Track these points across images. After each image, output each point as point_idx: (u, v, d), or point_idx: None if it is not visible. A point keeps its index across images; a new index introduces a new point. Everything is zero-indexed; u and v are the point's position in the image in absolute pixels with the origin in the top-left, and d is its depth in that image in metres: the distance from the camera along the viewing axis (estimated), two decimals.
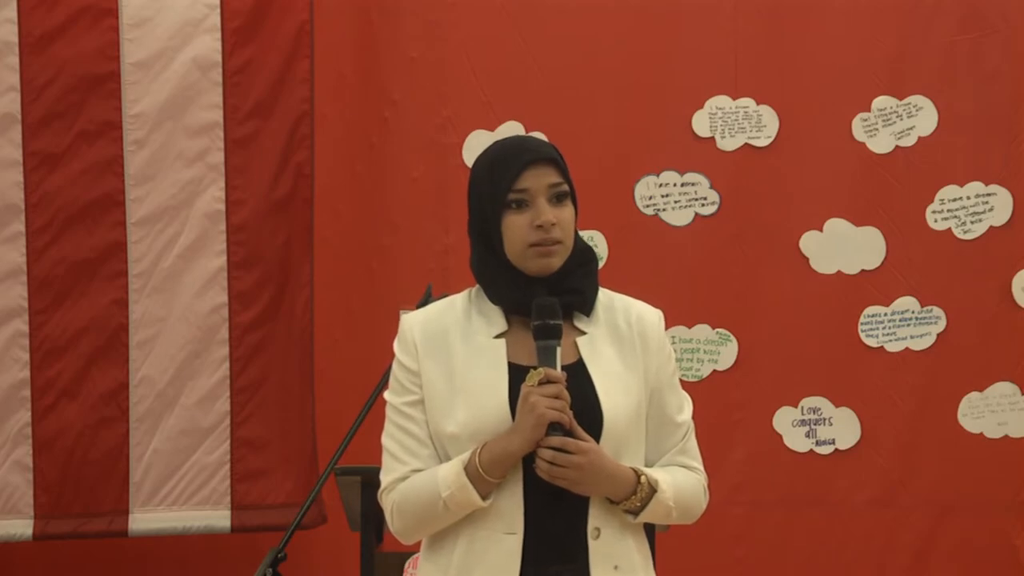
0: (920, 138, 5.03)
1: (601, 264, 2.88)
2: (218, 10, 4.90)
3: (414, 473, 2.59)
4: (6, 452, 4.84)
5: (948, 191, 5.02)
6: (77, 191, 4.87)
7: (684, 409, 2.71)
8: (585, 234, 2.73)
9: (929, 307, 5.02)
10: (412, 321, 2.68)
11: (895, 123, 5.04)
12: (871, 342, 5.03)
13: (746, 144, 5.08)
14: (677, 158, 5.09)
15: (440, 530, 2.59)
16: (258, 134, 4.93)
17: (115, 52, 4.88)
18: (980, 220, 5.00)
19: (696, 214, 5.09)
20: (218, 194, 4.91)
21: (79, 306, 4.86)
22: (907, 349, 5.02)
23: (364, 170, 5.15)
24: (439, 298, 2.82)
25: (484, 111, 5.09)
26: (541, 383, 2.51)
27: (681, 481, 2.65)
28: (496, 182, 2.62)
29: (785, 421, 5.04)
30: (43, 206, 4.86)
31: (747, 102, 5.08)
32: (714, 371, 5.06)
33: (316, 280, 4.95)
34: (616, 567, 2.57)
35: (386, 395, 2.68)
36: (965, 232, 5.01)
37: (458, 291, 2.73)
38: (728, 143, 5.08)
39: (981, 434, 4.99)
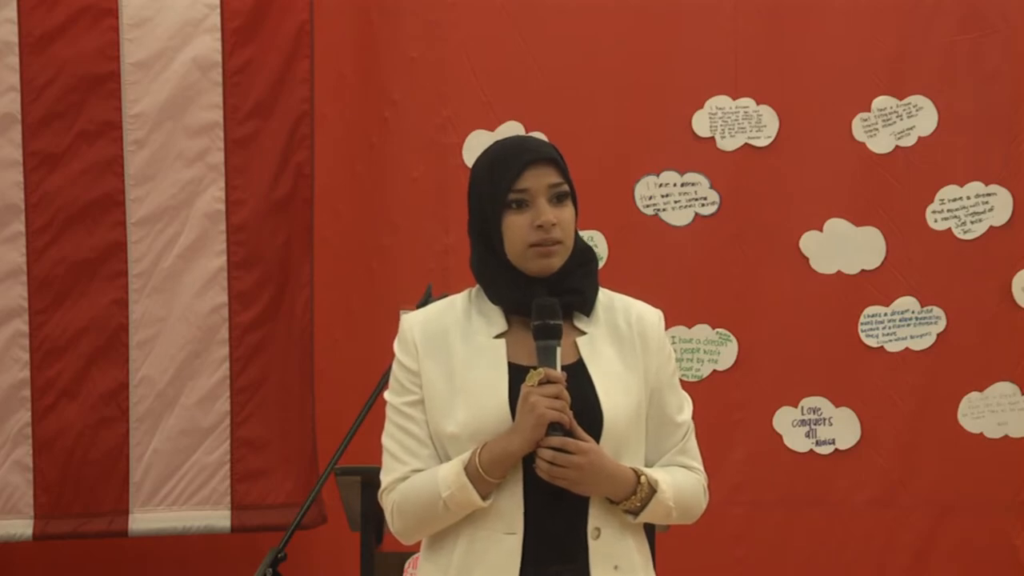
0: (920, 138, 5.03)
1: (601, 264, 2.89)
2: (218, 10, 4.90)
3: (414, 473, 2.59)
4: (6, 452, 4.84)
5: (948, 191, 5.02)
6: (77, 191, 4.87)
7: (684, 409, 2.71)
8: (585, 234, 2.72)
9: (929, 307, 5.02)
10: (412, 321, 2.68)
11: (895, 123, 5.04)
12: (871, 342, 5.03)
13: (746, 144, 5.08)
14: (677, 158, 5.09)
15: (440, 530, 2.59)
16: (258, 134, 4.93)
17: (115, 52, 4.88)
18: (980, 220, 5.00)
19: (696, 214, 5.09)
20: (218, 194, 4.91)
21: (79, 306, 4.86)
22: (907, 349, 5.02)
23: (364, 170, 5.15)
24: (439, 298, 2.82)
25: (484, 111, 5.09)
26: (541, 383, 2.51)
27: (681, 481, 2.65)
28: (496, 182, 2.62)
29: (785, 421, 5.04)
30: (43, 206, 4.86)
31: (747, 102, 5.08)
32: (714, 371, 5.06)
33: (316, 280, 4.95)
34: (616, 567, 2.57)
35: (386, 395, 2.68)
36: (965, 232, 5.01)
37: (458, 291, 2.73)
38: (728, 143, 5.08)
39: (981, 434, 4.99)
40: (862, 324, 5.03)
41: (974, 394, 4.99)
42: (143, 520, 4.87)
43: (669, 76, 5.09)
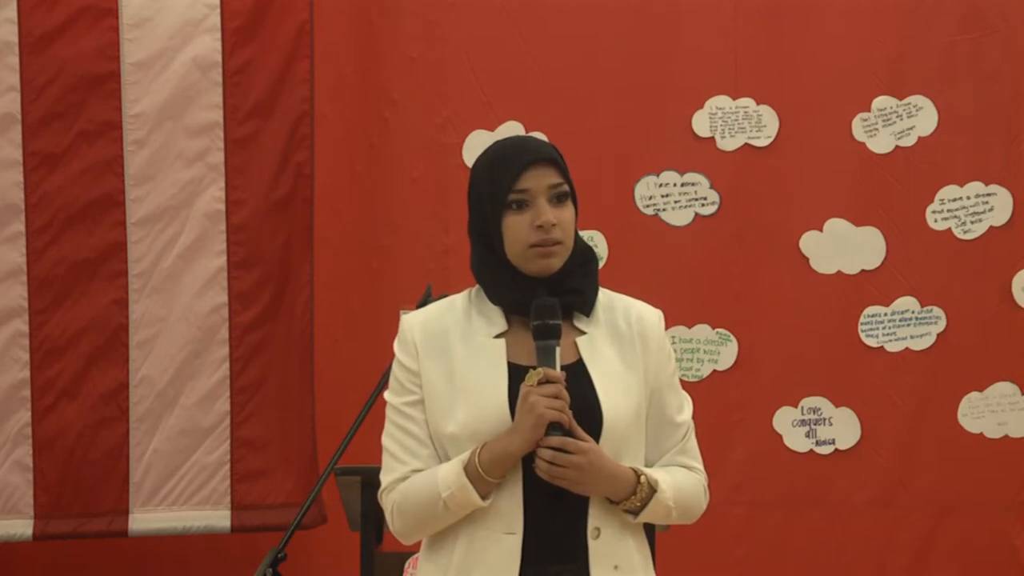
0: (920, 138, 5.03)
1: (601, 264, 2.88)
2: (218, 10, 4.90)
3: (414, 473, 2.59)
4: (6, 452, 4.84)
5: (948, 191, 5.02)
6: (77, 191, 4.87)
7: (684, 409, 2.71)
8: (585, 234, 2.72)
9: (929, 307, 5.02)
10: (412, 321, 2.68)
11: (895, 123, 5.04)
12: (871, 342, 5.03)
13: (746, 144, 5.08)
14: (677, 158, 5.09)
15: (440, 530, 2.59)
16: (258, 134, 4.93)
17: (115, 52, 4.88)
18: (980, 220, 5.00)
19: (696, 214, 5.09)
20: (218, 194, 4.91)
21: (79, 306, 4.86)
22: (907, 349, 5.02)
23: (364, 170, 5.15)
24: (439, 298, 2.82)
25: (484, 111, 5.09)
26: (540, 383, 2.51)
27: (681, 481, 2.65)
28: (496, 182, 2.62)
29: (785, 421, 5.04)
30: (43, 206, 4.86)
31: (747, 102, 5.08)
32: (714, 371, 5.06)
33: (316, 280, 4.95)
34: (616, 567, 2.57)
35: (386, 395, 2.68)
36: (965, 232, 5.01)
37: (458, 291, 2.73)
38: (728, 143, 5.08)
39: (981, 434, 4.99)
40: (862, 324, 5.03)
41: (974, 394, 4.99)
42: (143, 520, 4.86)
43: (669, 76, 5.09)
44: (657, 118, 5.08)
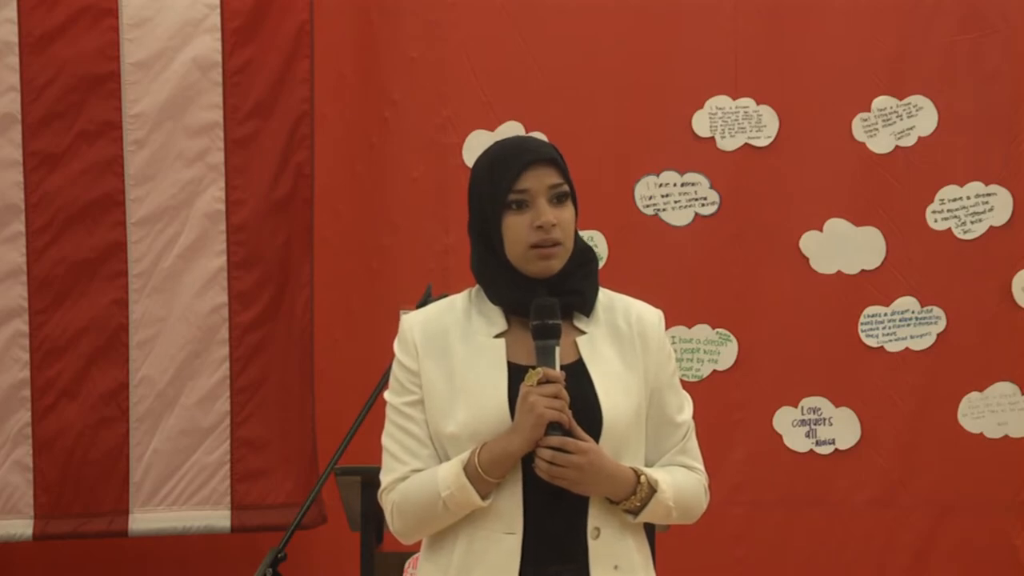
0: (920, 138, 5.03)
1: (601, 264, 2.88)
2: (218, 10, 4.90)
3: (414, 473, 2.59)
4: (6, 452, 4.84)
5: (948, 191, 5.02)
6: (77, 191, 4.87)
7: (684, 409, 2.71)
8: (585, 234, 2.72)
9: (929, 307, 5.02)
10: (412, 321, 2.68)
11: (895, 123, 5.04)
12: (871, 342, 5.03)
13: (746, 144, 5.08)
14: (677, 158, 5.09)
15: (440, 530, 2.59)
16: (258, 134, 4.93)
17: (115, 52, 4.88)
18: (980, 220, 5.00)
19: (696, 214, 5.09)
20: (218, 194, 4.91)
21: (79, 306, 4.86)
22: (907, 349, 5.02)
23: (364, 170, 5.15)
24: (439, 298, 2.82)
25: (484, 111, 5.09)
26: (540, 383, 2.51)
27: (681, 481, 2.65)
28: (496, 182, 2.62)
29: (785, 421, 5.04)
30: (43, 206, 4.86)
31: (747, 102, 5.08)
32: (714, 371, 5.06)
33: (316, 280, 4.95)
34: (616, 567, 2.57)
35: (386, 395, 2.68)
36: (965, 232, 5.01)
37: (458, 291, 2.73)
38: (728, 143, 5.08)
39: (981, 434, 4.99)
40: (862, 324, 5.03)
41: (974, 394, 4.99)
42: (143, 520, 4.86)
43: (669, 76, 5.09)
44: (657, 118, 5.08)
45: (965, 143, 5.02)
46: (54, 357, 4.85)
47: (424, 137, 5.11)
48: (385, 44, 5.12)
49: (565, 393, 2.52)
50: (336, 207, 5.09)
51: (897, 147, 5.04)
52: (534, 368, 2.53)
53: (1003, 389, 4.98)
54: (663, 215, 5.10)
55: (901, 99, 5.04)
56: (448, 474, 2.53)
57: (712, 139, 5.09)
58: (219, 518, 4.87)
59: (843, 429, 5.02)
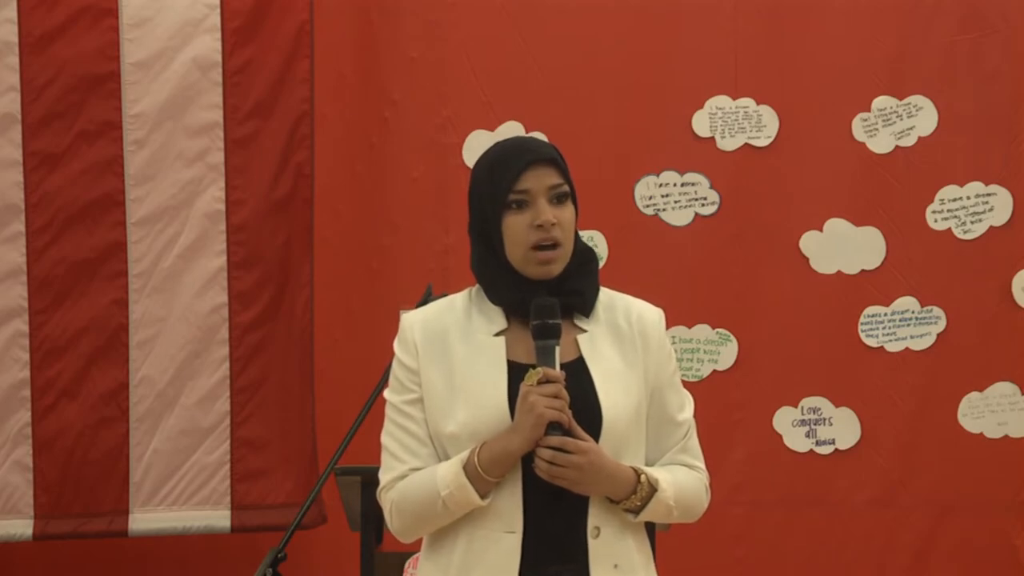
0: (920, 138, 5.03)
1: (601, 264, 2.89)
2: (218, 10, 4.90)
3: (413, 472, 2.59)
4: (6, 452, 4.84)
5: (948, 191, 5.02)
6: (77, 191, 4.87)
7: (685, 408, 2.71)
8: (585, 234, 2.73)
9: (929, 307, 5.02)
10: (412, 320, 2.68)
11: (895, 123, 5.04)
12: (871, 342, 5.02)
13: (746, 144, 5.08)
14: (677, 158, 5.09)
15: (440, 530, 2.59)
16: (258, 134, 4.93)
17: (115, 52, 4.88)
18: (980, 220, 5.00)
19: (696, 214, 5.09)
20: (218, 194, 4.91)
21: (79, 306, 4.86)
22: (907, 349, 5.01)
23: (364, 170, 5.14)
24: (439, 298, 2.82)
25: (484, 111, 5.09)
26: (540, 382, 2.51)
27: (682, 480, 2.65)
28: (497, 183, 2.62)
29: (785, 421, 5.04)
30: (43, 206, 4.86)
31: (747, 102, 5.08)
32: (714, 371, 5.06)
33: (316, 280, 4.95)
34: (616, 566, 2.57)
35: (386, 393, 2.68)
36: (965, 232, 5.01)
37: (458, 291, 2.73)
38: (728, 143, 5.08)
39: (981, 434, 4.99)
40: (862, 324, 5.03)
41: (974, 394, 4.99)
42: (143, 520, 4.86)
43: (669, 76, 5.09)
44: (657, 118, 5.08)
45: (965, 143, 5.02)
46: (54, 357, 4.85)
47: (424, 137, 5.11)
48: (385, 44, 5.12)
49: (565, 393, 2.52)
50: (336, 207, 5.09)
51: (897, 147, 5.04)
52: (534, 367, 2.53)
53: (1003, 389, 4.98)
54: (663, 215, 5.10)
55: (901, 99, 5.04)
56: (447, 473, 2.53)
57: (712, 139, 5.09)
58: (219, 518, 4.87)
59: (843, 429, 5.02)
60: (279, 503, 4.87)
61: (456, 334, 2.63)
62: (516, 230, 2.60)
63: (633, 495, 2.56)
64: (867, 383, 5.02)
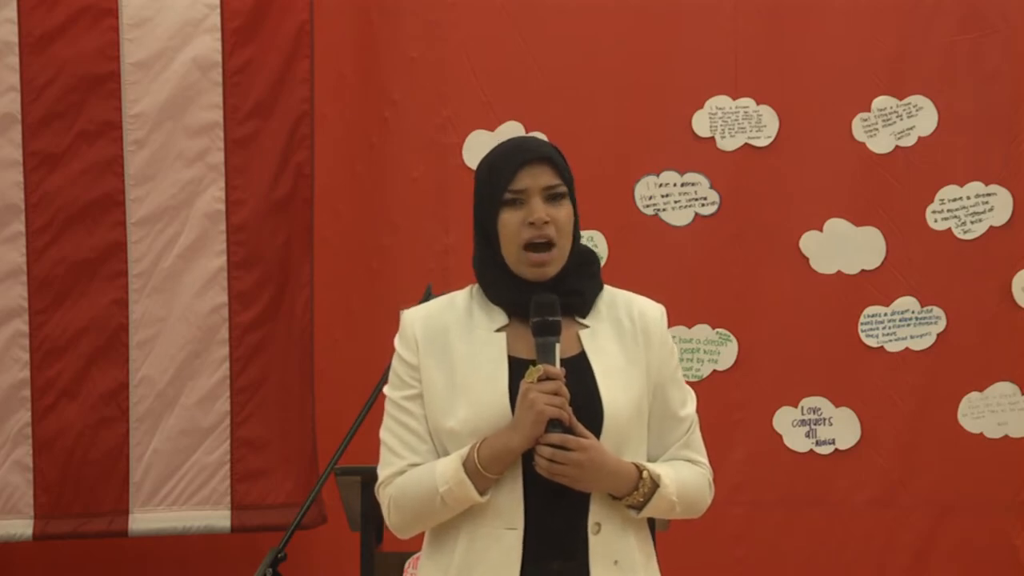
0: (920, 138, 5.03)
1: (601, 264, 2.89)
2: (218, 10, 4.90)
3: (412, 467, 2.59)
4: (6, 452, 4.84)
5: (948, 191, 5.02)
6: (77, 191, 4.87)
7: (687, 403, 2.71)
8: (585, 234, 2.73)
9: (929, 307, 5.02)
10: (413, 316, 2.68)
11: (895, 123, 5.04)
12: (871, 342, 5.02)
13: (746, 144, 5.08)
14: (677, 158, 5.09)
15: (441, 527, 2.59)
16: (258, 134, 4.93)
17: (115, 52, 4.88)
18: (980, 220, 5.00)
19: (696, 214, 5.09)
20: (218, 194, 4.91)
21: (79, 306, 4.86)
22: (907, 349, 5.01)
23: (364, 170, 5.15)
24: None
25: (484, 111, 5.09)
26: (540, 379, 2.51)
27: (685, 475, 2.65)
28: (494, 182, 2.63)
29: (785, 421, 5.04)
30: (43, 206, 4.86)
31: (747, 102, 5.08)
32: (714, 371, 5.06)
33: (316, 280, 4.95)
34: (616, 562, 2.56)
35: (385, 389, 2.68)
36: (965, 232, 5.01)
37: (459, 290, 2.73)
38: (728, 143, 5.08)
39: (981, 434, 4.99)
40: (862, 324, 5.03)
41: (974, 394, 4.99)
42: (143, 520, 4.86)
43: (669, 76, 5.09)
44: (657, 118, 5.08)
45: (965, 143, 5.02)
46: (54, 357, 4.85)
47: (424, 137, 5.12)
48: (385, 44, 5.12)
49: (565, 390, 2.51)
50: (336, 207, 5.09)
51: (897, 147, 5.04)
52: (535, 364, 2.53)
53: (1003, 389, 4.98)
54: (663, 215, 5.10)
55: (901, 99, 5.04)
56: (446, 469, 2.53)
57: (712, 139, 5.09)
58: (219, 518, 4.87)
59: (843, 429, 5.01)
60: (279, 503, 4.87)
61: (457, 331, 2.64)
62: (510, 227, 2.60)
63: (635, 491, 2.56)
64: (867, 383, 5.02)
